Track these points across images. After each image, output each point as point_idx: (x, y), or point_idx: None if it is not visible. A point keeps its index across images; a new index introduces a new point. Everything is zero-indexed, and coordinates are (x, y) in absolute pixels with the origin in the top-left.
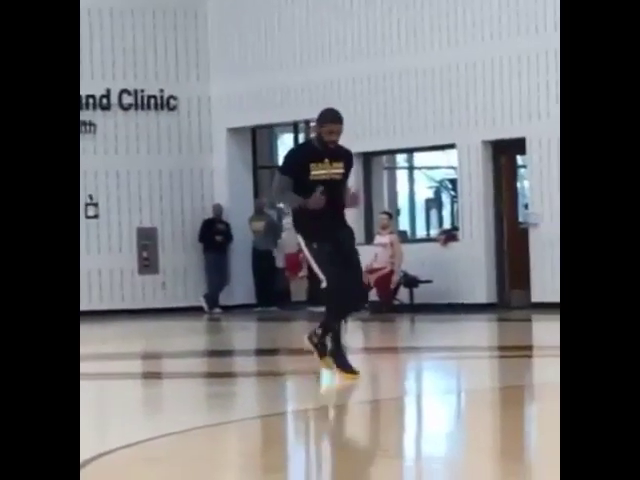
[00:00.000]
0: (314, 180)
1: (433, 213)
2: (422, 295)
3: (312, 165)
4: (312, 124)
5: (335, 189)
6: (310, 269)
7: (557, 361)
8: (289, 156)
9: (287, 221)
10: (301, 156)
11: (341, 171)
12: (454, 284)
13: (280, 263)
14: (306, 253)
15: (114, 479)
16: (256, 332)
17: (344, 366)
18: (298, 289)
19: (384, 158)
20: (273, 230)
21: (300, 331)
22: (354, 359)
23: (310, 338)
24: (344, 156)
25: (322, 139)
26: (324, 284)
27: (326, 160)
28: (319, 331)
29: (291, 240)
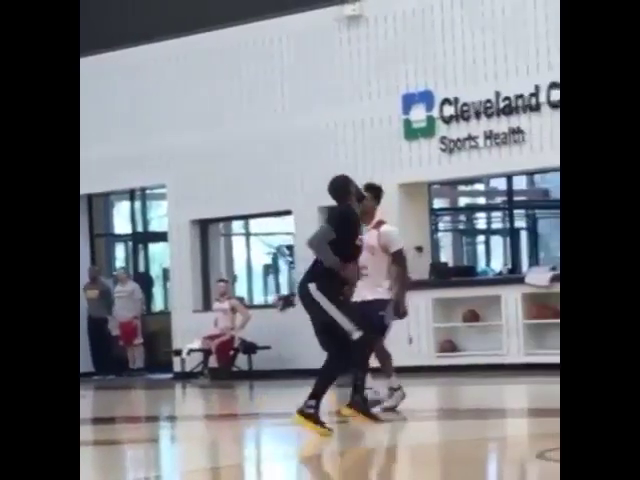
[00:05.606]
0: (358, 245)
1: (270, 279)
2: (261, 361)
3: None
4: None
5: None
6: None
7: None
8: (355, 214)
9: (119, 289)
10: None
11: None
12: (292, 350)
13: (115, 331)
14: (331, 311)
15: None
16: (93, 400)
17: (367, 411)
18: (135, 356)
19: (220, 225)
20: (107, 298)
21: (139, 399)
22: (194, 426)
23: (303, 412)
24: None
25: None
26: (356, 334)
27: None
28: (311, 402)
29: (124, 308)
